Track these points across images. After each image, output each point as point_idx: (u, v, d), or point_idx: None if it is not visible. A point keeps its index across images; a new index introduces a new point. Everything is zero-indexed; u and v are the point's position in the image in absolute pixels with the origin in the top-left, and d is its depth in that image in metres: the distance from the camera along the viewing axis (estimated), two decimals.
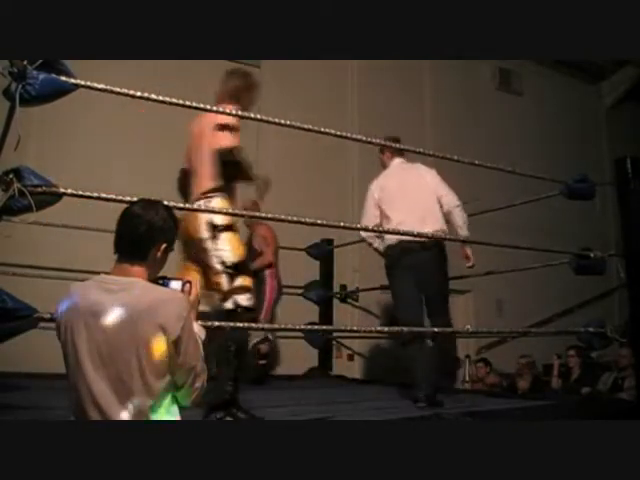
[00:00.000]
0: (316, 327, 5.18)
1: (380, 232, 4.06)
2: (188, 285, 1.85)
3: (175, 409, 1.74)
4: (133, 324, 1.62)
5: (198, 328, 1.84)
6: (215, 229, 2.96)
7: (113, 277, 1.73)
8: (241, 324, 2.95)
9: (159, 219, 1.78)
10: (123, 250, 1.75)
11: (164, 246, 1.79)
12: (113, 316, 1.63)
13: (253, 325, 4.12)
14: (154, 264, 1.78)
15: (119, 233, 1.77)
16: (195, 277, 2.90)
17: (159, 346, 1.62)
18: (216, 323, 2.76)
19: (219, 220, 2.97)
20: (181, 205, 2.87)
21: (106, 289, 1.68)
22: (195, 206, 3.01)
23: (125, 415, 1.62)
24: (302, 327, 4.74)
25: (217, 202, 3.01)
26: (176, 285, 1.81)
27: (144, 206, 1.80)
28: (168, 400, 1.70)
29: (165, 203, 2.45)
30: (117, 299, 1.65)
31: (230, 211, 3.12)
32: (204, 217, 2.96)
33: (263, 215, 4.38)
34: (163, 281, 1.80)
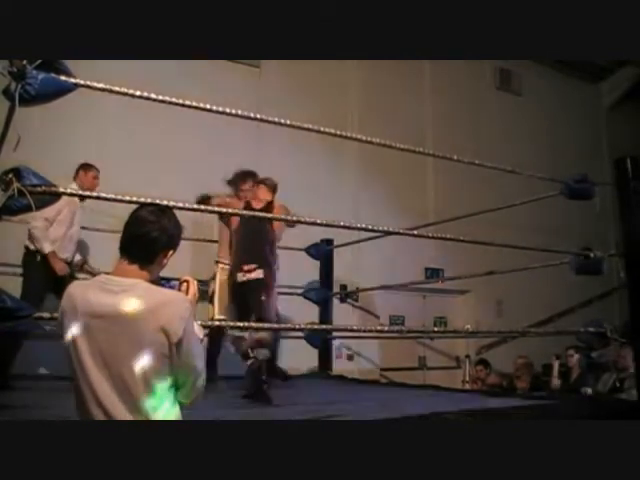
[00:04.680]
0: (316, 327, 5.17)
1: (380, 232, 4.06)
2: (186, 284, 1.85)
3: (177, 409, 1.74)
4: (135, 325, 1.62)
5: (197, 327, 1.84)
6: None
7: (114, 278, 1.72)
8: (241, 324, 2.98)
9: (171, 226, 1.79)
10: (130, 252, 1.74)
11: (171, 252, 1.80)
12: (114, 318, 1.63)
13: (253, 325, 4.13)
14: (158, 268, 1.79)
15: (129, 235, 1.76)
16: None
17: (161, 347, 1.63)
18: (216, 323, 2.77)
19: None
20: (181, 205, 2.87)
21: (107, 290, 1.68)
22: None
23: (128, 415, 1.62)
24: (302, 327, 4.74)
25: None
26: (174, 284, 1.82)
27: (156, 212, 1.80)
28: (170, 400, 1.70)
29: (165, 203, 2.46)
30: (118, 301, 1.65)
31: (230, 211, 3.13)
32: None
33: (263, 215, 4.38)
34: (162, 281, 1.81)
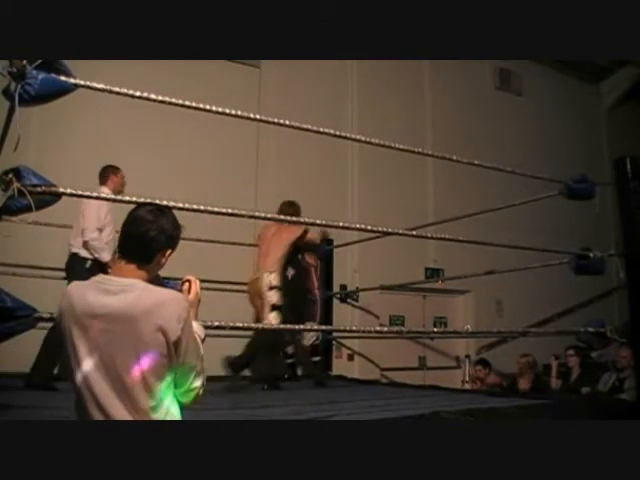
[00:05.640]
0: (316, 327, 5.18)
1: (380, 232, 4.05)
2: (188, 284, 1.85)
3: (176, 409, 1.74)
4: (133, 325, 1.62)
5: (198, 327, 1.84)
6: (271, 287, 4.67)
7: (112, 278, 1.72)
8: (240, 324, 3.00)
9: (170, 226, 1.78)
10: (129, 251, 1.74)
11: (169, 252, 1.80)
12: (112, 318, 1.63)
13: (253, 325, 4.14)
14: (156, 268, 1.79)
15: (127, 235, 1.76)
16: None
17: (159, 347, 1.63)
18: (216, 323, 2.77)
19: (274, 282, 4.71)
20: (180, 205, 2.87)
21: (105, 290, 1.67)
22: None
23: (127, 415, 1.62)
24: (302, 327, 4.74)
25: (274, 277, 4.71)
26: (176, 284, 1.82)
27: (154, 211, 1.80)
28: (169, 400, 1.70)
29: (165, 203, 2.46)
30: (116, 300, 1.65)
31: (232, 212, 3.12)
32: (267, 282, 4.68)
33: (263, 215, 4.39)
34: (163, 281, 1.81)
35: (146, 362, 1.62)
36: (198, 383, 1.74)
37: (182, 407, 1.76)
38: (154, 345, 1.62)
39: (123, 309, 1.63)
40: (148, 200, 2.19)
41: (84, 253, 4.31)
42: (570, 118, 9.04)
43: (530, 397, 4.56)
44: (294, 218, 4.05)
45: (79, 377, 1.64)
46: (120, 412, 1.61)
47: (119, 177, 4.56)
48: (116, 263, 1.77)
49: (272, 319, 4.50)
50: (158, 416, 1.66)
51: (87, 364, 1.63)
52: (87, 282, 1.74)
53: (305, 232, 4.90)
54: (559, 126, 8.85)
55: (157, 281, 1.81)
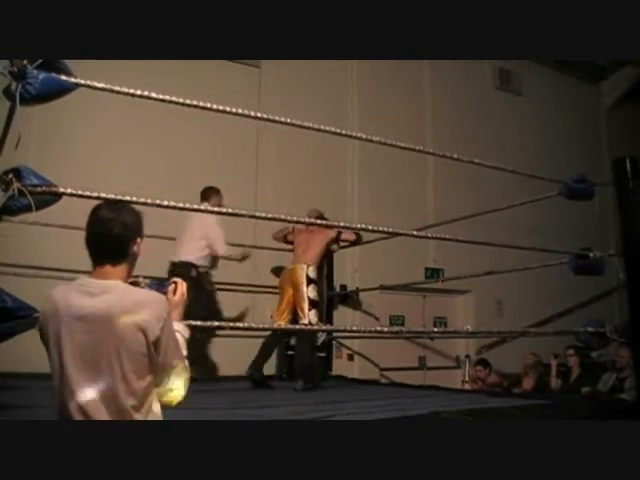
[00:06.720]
0: (316, 327, 5.18)
1: (380, 232, 4.05)
2: (174, 285, 1.87)
3: (158, 409, 1.75)
4: (113, 326, 1.64)
5: (182, 327, 1.86)
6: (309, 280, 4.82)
7: (93, 280, 1.74)
8: (242, 324, 3.00)
9: (132, 218, 1.81)
10: (101, 253, 1.75)
11: (139, 240, 1.82)
12: (94, 319, 1.65)
13: (253, 325, 4.14)
14: (132, 260, 1.81)
15: (94, 237, 1.76)
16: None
17: (140, 347, 1.64)
18: (216, 323, 2.78)
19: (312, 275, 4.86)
20: (181, 205, 2.88)
21: (86, 292, 1.70)
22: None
23: (106, 415, 1.63)
24: (302, 327, 4.74)
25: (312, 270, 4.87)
26: (162, 285, 1.85)
27: (113, 208, 1.82)
28: (151, 400, 1.71)
29: (159, 202, 2.46)
30: (98, 302, 1.67)
31: (232, 212, 3.13)
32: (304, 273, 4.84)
33: (263, 215, 4.38)
34: (153, 282, 1.83)
35: (127, 362, 1.64)
36: (180, 383, 1.75)
37: (165, 407, 1.77)
38: (135, 345, 1.64)
39: (104, 310, 1.66)
40: (148, 200, 2.20)
41: (200, 262, 4.75)
42: (570, 118, 9.03)
43: (530, 397, 4.56)
44: (298, 218, 4.03)
45: (62, 379, 1.66)
46: (101, 412, 1.63)
47: (220, 196, 4.95)
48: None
49: (312, 317, 4.73)
50: (140, 416, 1.67)
51: (70, 366, 1.65)
52: (69, 285, 1.76)
53: (339, 234, 5.19)
54: (559, 126, 8.84)
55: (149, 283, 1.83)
